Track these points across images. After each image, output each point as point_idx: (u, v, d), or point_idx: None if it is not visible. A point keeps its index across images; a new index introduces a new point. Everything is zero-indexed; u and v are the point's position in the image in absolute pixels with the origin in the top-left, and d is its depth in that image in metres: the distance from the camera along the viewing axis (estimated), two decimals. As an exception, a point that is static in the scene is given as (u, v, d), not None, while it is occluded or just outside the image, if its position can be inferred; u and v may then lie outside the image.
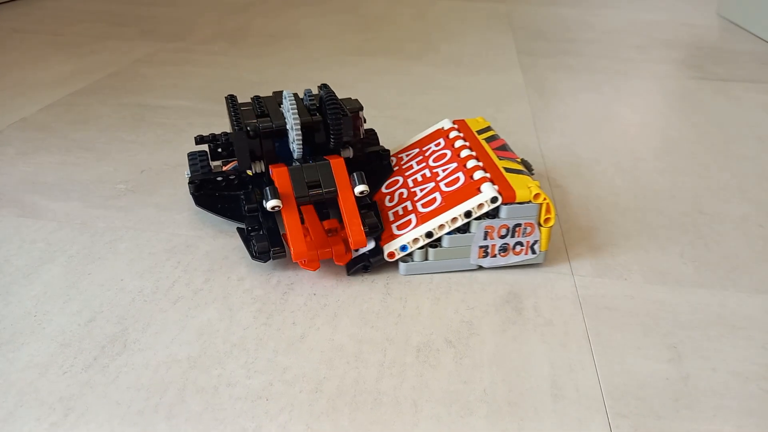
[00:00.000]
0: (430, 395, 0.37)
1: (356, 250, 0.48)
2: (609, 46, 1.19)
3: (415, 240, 0.47)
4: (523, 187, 0.47)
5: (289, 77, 0.95)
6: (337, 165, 0.49)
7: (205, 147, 0.72)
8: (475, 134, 0.56)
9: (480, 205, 0.46)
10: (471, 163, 0.50)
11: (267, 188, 0.46)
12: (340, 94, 0.88)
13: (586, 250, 0.52)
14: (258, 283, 0.47)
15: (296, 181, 0.48)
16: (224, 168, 0.55)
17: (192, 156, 0.55)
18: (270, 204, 0.45)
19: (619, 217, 0.57)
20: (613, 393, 0.38)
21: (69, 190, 0.60)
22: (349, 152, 0.53)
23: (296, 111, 0.49)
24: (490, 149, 0.53)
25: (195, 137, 0.54)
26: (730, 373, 0.40)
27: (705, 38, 1.26)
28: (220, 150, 0.54)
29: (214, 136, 0.54)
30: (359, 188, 0.48)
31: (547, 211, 0.47)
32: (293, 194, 0.47)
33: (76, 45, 1.09)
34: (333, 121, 0.49)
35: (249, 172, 0.52)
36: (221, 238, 0.52)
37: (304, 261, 0.46)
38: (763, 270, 0.50)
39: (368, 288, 0.47)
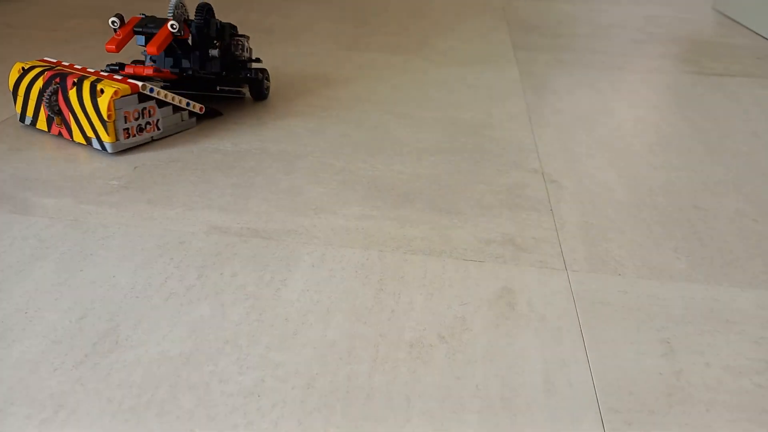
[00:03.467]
0: (422, 391, 0.37)
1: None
2: (604, 40, 1.18)
3: None
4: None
5: (283, 72, 0.94)
6: (164, 26, 0.70)
7: None
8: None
9: None
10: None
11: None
12: (335, 88, 0.88)
13: (580, 245, 0.52)
14: (251, 280, 0.46)
15: (142, 20, 0.72)
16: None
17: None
18: (111, 19, 0.70)
19: (613, 212, 0.57)
20: (606, 388, 0.38)
21: (61, 186, 0.59)
22: (216, 52, 0.73)
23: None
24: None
25: None
26: (723, 368, 0.40)
27: (700, 33, 1.26)
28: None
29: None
30: (170, 24, 0.68)
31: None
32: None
33: (70, 41, 1.09)
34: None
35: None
36: (214, 234, 0.52)
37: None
38: (756, 265, 0.50)
39: (361, 283, 0.46)
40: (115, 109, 0.62)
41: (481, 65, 1.01)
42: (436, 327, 0.42)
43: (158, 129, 0.69)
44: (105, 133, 0.64)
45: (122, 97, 0.63)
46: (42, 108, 0.68)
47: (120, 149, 0.65)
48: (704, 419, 0.36)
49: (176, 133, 0.71)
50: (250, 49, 0.79)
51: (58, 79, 0.65)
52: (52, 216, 0.54)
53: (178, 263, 0.48)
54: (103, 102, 0.62)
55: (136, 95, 0.64)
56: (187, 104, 0.72)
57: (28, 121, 0.70)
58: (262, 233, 0.52)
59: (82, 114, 0.65)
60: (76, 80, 0.65)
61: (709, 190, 0.62)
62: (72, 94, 0.64)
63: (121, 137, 0.65)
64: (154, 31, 0.70)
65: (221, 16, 1.30)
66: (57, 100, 0.66)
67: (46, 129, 0.69)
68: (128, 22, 0.72)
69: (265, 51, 1.06)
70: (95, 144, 0.66)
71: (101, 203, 0.56)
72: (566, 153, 0.69)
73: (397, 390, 0.37)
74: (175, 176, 0.62)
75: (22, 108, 0.70)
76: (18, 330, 0.41)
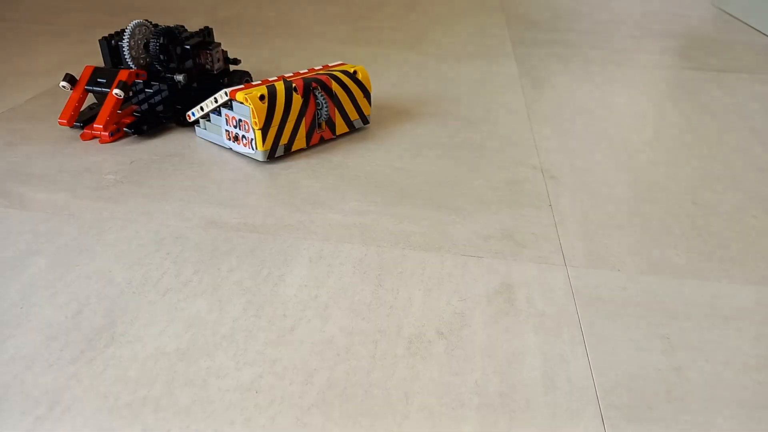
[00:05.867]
0: (421, 387, 0.37)
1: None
2: (603, 36, 1.18)
3: (199, 109, 0.66)
4: (246, 92, 0.60)
5: (281, 66, 0.94)
6: (123, 72, 0.68)
7: None
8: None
9: (221, 95, 0.62)
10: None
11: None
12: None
13: (579, 241, 0.52)
14: (248, 275, 0.46)
15: (93, 74, 0.70)
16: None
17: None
18: (61, 84, 0.69)
19: (612, 208, 0.57)
20: (605, 384, 0.38)
21: (57, 180, 0.59)
22: (181, 77, 0.69)
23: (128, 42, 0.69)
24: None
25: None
26: (722, 365, 0.40)
27: (699, 29, 1.26)
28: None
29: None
30: (114, 92, 0.66)
31: (254, 115, 0.60)
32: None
33: (65, 34, 1.08)
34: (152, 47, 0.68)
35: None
36: (211, 229, 0.52)
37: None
38: (755, 261, 0.50)
39: (360, 279, 0.46)
40: None
41: (479, 60, 1.00)
42: (435, 323, 0.42)
43: None
44: (368, 105, 0.71)
45: None
46: (301, 125, 0.64)
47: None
48: (703, 416, 0.36)
49: None
50: (224, 55, 0.75)
51: (314, 84, 0.65)
52: (47, 210, 0.54)
53: (175, 258, 0.48)
54: (365, 76, 0.69)
55: None
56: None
57: (280, 151, 0.64)
58: (259, 228, 0.52)
59: (348, 100, 0.68)
60: (328, 74, 0.67)
61: (708, 185, 0.62)
62: (336, 87, 0.67)
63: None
64: (105, 90, 0.68)
65: (220, 8, 1.29)
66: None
67: (304, 145, 0.66)
68: (80, 78, 0.70)
69: (263, 45, 1.05)
70: (357, 124, 0.71)
71: (97, 198, 0.56)
72: (565, 148, 0.69)
73: (395, 386, 0.37)
74: (171, 171, 0.61)
75: (273, 142, 0.63)
76: (13, 326, 0.41)
